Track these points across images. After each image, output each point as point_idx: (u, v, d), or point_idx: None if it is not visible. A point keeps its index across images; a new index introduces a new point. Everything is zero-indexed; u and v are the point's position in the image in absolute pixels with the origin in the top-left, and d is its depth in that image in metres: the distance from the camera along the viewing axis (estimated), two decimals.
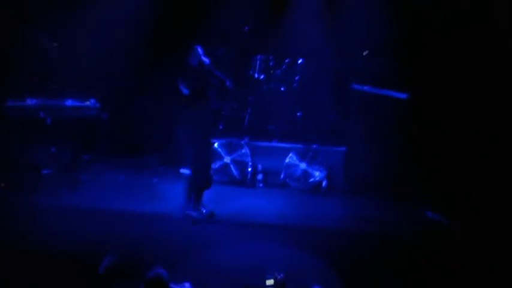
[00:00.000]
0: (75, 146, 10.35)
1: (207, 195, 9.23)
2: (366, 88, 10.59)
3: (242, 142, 10.74)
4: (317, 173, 10.48)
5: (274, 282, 6.23)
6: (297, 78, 11.25)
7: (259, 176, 10.70)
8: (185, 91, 8.72)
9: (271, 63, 11.31)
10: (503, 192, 9.38)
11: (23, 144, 9.99)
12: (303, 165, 10.53)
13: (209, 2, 11.45)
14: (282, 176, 10.63)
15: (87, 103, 10.35)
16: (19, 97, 10.17)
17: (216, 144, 10.58)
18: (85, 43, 11.00)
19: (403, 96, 10.33)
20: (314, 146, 10.64)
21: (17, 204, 9.08)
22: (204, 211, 8.90)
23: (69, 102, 10.26)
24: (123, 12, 11.13)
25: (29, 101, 10.14)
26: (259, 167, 10.75)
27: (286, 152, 10.67)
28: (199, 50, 8.80)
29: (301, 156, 10.57)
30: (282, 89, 11.23)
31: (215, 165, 10.47)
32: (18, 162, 9.92)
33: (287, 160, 10.58)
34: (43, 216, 8.66)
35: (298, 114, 11.26)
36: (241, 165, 10.62)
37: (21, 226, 8.30)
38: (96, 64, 10.90)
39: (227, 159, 10.62)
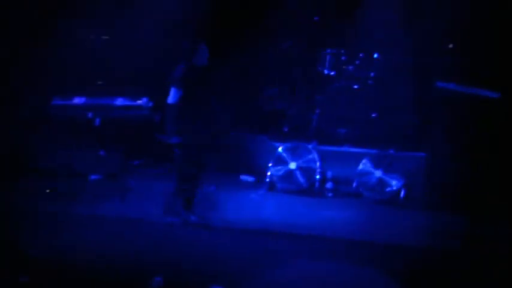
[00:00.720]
0: (125, 149, 10.43)
1: (269, 207, 9.27)
2: (451, 86, 10.22)
3: (309, 146, 10.55)
4: (394, 182, 10.19)
5: None
6: (372, 74, 11.10)
7: (329, 185, 10.53)
8: (176, 93, 8.47)
9: (343, 58, 11.17)
10: None
11: (68, 146, 10.20)
12: (378, 173, 10.25)
13: None
14: (354, 184, 10.42)
15: (139, 102, 10.40)
16: (66, 95, 10.28)
17: (280, 149, 10.49)
18: (137, 37, 11.10)
19: (494, 95, 9.95)
20: (391, 151, 10.47)
21: (62, 213, 9.01)
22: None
23: (119, 101, 10.33)
24: (180, 3, 11.12)
25: (76, 100, 10.24)
26: (329, 174, 10.60)
27: (359, 158, 10.47)
28: (203, 48, 8.63)
29: (376, 163, 10.34)
30: (355, 87, 11.11)
31: (279, 172, 10.44)
32: (64, 166, 10.08)
33: (360, 167, 10.37)
34: (89, 226, 8.60)
35: (373, 115, 11.11)
36: (308, 172, 10.42)
37: (65, 236, 8.18)
38: (149, 60, 10.89)
39: (292, 166, 10.42)
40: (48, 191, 9.61)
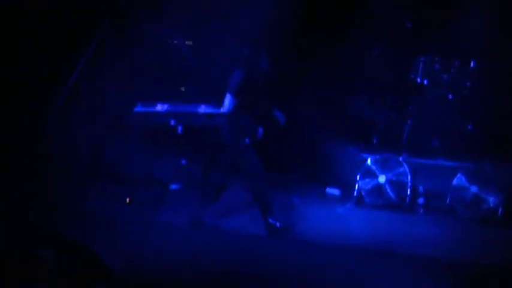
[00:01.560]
0: (209, 159, 10.34)
1: (356, 222, 9.27)
2: None
3: (400, 159, 10.46)
4: (491, 198, 9.99)
5: None
6: (468, 84, 10.98)
7: (420, 200, 10.41)
8: (232, 101, 8.73)
9: (437, 66, 10.99)
10: None
11: (150, 154, 10.26)
12: (473, 189, 10.09)
13: None
14: (447, 200, 10.24)
15: (223, 110, 9.96)
16: (148, 102, 10.19)
17: (369, 161, 10.48)
18: (221, 42, 11.09)
19: None
20: (488, 165, 10.28)
21: (141, 223, 9.14)
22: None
23: (202, 109, 10.07)
24: (264, 9, 11.07)
25: (159, 106, 10.09)
26: (421, 188, 10.46)
27: (453, 172, 10.29)
28: (263, 55, 8.82)
29: (472, 178, 10.14)
30: (450, 96, 10.96)
31: (367, 185, 10.40)
32: (145, 175, 10.17)
33: (454, 182, 10.19)
34: (170, 237, 8.67)
35: (469, 127, 10.97)
36: (398, 186, 10.33)
37: (144, 248, 8.23)
38: (233, 65, 10.78)
39: (382, 179, 10.35)
40: (128, 199, 9.72)
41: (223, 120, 10.15)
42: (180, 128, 9.91)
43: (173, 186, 10.20)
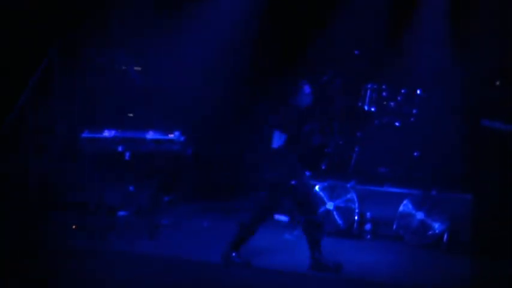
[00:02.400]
0: (156, 185, 10.47)
1: (303, 248, 8.95)
2: (498, 125, 10.21)
3: (348, 186, 10.48)
4: (437, 225, 10.07)
5: None
6: (414, 111, 11.04)
7: (367, 226, 10.42)
8: (280, 137, 8.57)
9: (384, 94, 11.09)
10: None
11: (98, 181, 10.28)
12: (420, 215, 10.13)
13: (314, 22, 11.54)
14: (394, 226, 10.27)
15: (171, 136, 10.16)
16: (95, 128, 10.16)
17: (317, 187, 10.40)
18: (170, 68, 11.24)
19: None
20: (434, 192, 10.33)
21: (89, 250, 9.11)
22: None
23: (150, 135, 10.15)
24: (214, 36, 11.35)
25: (107, 133, 10.08)
26: (368, 215, 10.47)
27: (399, 198, 10.33)
28: (307, 88, 8.65)
29: (418, 205, 10.19)
30: (397, 124, 11.07)
31: None
32: (92, 201, 10.06)
33: (401, 208, 10.24)
34: (117, 264, 8.66)
35: (416, 154, 11.00)
36: (346, 212, 10.33)
37: (92, 274, 8.23)
38: (182, 92, 11.15)
39: (330, 206, 10.33)
40: (74, 227, 9.69)
41: (180, 147, 10.21)
42: (127, 154, 9.95)
43: (121, 213, 10.11)
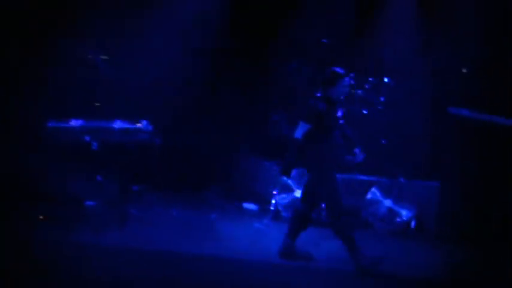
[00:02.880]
0: (124, 174, 10.26)
1: (273, 237, 9.10)
2: (465, 112, 10.16)
3: None
4: (404, 212, 10.27)
5: None
6: (382, 99, 11.10)
7: None
8: (303, 128, 8.28)
9: (352, 82, 10.79)
10: None
11: (64, 171, 9.89)
12: (387, 203, 10.35)
13: (281, 11, 11.50)
14: (362, 214, 10.41)
15: (139, 125, 10.18)
16: (62, 117, 10.09)
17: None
18: (138, 56, 11.20)
19: (510, 122, 9.86)
20: (401, 179, 10.50)
21: (56, 241, 8.89)
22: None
23: (118, 124, 10.12)
24: (183, 23, 11.34)
25: (73, 122, 10.04)
26: None
27: (367, 186, 10.55)
28: (347, 79, 8.48)
29: (386, 192, 10.41)
30: (364, 112, 11.09)
31: (284, 200, 10.47)
32: (59, 192, 9.84)
33: (369, 196, 10.44)
34: (85, 255, 8.46)
35: (383, 142, 11.06)
36: None
37: (60, 265, 8.01)
38: (150, 81, 11.16)
39: (298, 194, 10.25)
40: (41, 217, 9.57)
41: (148, 136, 10.11)
42: (95, 144, 9.92)
43: (89, 203, 9.93)
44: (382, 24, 11.40)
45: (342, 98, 8.46)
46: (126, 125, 10.18)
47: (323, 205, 8.73)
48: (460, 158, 10.37)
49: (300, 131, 8.22)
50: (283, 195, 10.45)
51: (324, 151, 8.43)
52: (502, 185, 10.00)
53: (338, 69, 8.36)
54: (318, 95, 8.32)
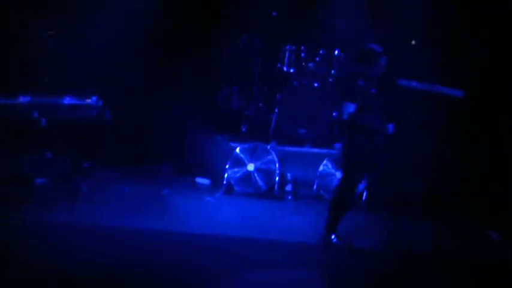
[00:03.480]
0: (74, 151, 10.14)
1: (225, 210, 9.37)
2: (413, 84, 9.91)
3: (268, 147, 10.63)
4: None
5: None
6: (333, 72, 11.11)
7: (288, 187, 10.60)
8: (350, 107, 8.08)
9: (302, 55, 11.11)
10: None
11: (13, 148, 9.92)
12: (339, 174, 10.04)
13: None
14: (315, 186, 10.47)
15: (88, 101, 10.15)
16: (9, 94, 10.04)
17: (237, 150, 10.62)
18: (86, 31, 11.06)
19: (458, 93, 9.71)
20: None
21: (6, 219, 8.84)
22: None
23: (67, 100, 10.08)
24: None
25: (21, 99, 10.00)
26: (288, 176, 10.66)
27: (319, 159, 10.53)
28: (384, 58, 8.35)
29: (338, 164, 10.27)
30: (316, 85, 11.12)
31: (236, 174, 10.56)
32: (8, 169, 9.84)
33: (321, 168, 10.44)
34: (36, 233, 8.44)
35: (334, 114, 10.99)
36: (267, 174, 10.51)
37: (10, 243, 8.03)
38: (99, 56, 10.96)
39: (250, 167, 10.50)
40: None
41: (98, 112, 10.03)
42: (43, 120, 9.88)
43: (38, 181, 9.95)
44: None
45: (378, 75, 8.34)
46: (76, 101, 10.14)
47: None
48: (408, 129, 10.07)
49: (346, 112, 8.05)
50: (235, 169, 10.51)
51: (369, 127, 8.26)
52: (449, 154, 10.07)
53: (375, 47, 8.28)
54: (355, 71, 8.21)
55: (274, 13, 11.32)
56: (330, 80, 11.12)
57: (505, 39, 10.30)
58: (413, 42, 10.79)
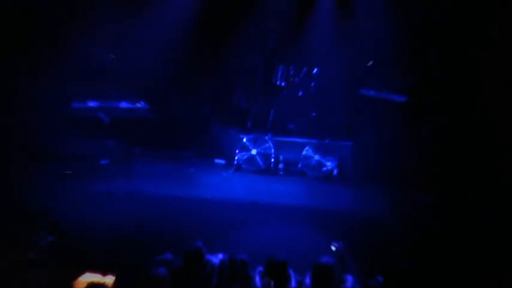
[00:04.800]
0: (128, 140, 10.30)
1: (236, 182, 9.24)
2: (371, 93, 10.39)
3: (266, 138, 10.65)
4: (329, 163, 10.34)
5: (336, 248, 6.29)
6: (312, 84, 11.01)
7: (281, 166, 10.61)
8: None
9: (291, 72, 11.03)
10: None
11: (86, 139, 9.91)
12: (317, 157, 10.42)
13: (241, 15, 10.87)
14: (299, 165, 10.50)
15: (138, 105, 10.34)
16: (82, 100, 10.15)
17: (244, 139, 10.54)
18: (137, 55, 10.69)
19: (402, 99, 10.14)
20: (326, 140, 10.53)
21: (81, 189, 8.94)
22: None
23: (123, 104, 10.27)
24: (167, 29, 10.79)
25: (91, 103, 10.15)
26: (281, 158, 10.66)
27: (303, 146, 10.58)
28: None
29: (316, 149, 10.47)
30: (300, 93, 11.05)
31: (243, 156, 10.48)
32: (82, 153, 9.85)
33: (304, 152, 10.49)
34: (102, 199, 8.62)
35: (313, 114, 11.05)
36: (265, 156, 10.51)
37: (83, 208, 8.23)
38: (145, 72, 10.60)
39: (254, 152, 10.54)
40: (69, 172, 9.54)
41: (144, 113, 10.06)
42: (107, 119, 10.02)
43: (103, 161, 9.96)
44: (312, 30, 10.93)
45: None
46: (129, 105, 10.25)
47: None
48: (367, 125, 10.31)
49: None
50: (243, 153, 10.48)
51: None
52: (396, 141, 9.83)
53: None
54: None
55: (270, 46, 10.98)
56: (311, 89, 10.90)
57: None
58: (369, 63, 10.64)
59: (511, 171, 8.74)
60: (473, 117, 9.50)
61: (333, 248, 6.27)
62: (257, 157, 10.49)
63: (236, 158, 10.48)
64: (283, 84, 11.04)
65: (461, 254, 7.23)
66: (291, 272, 6.25)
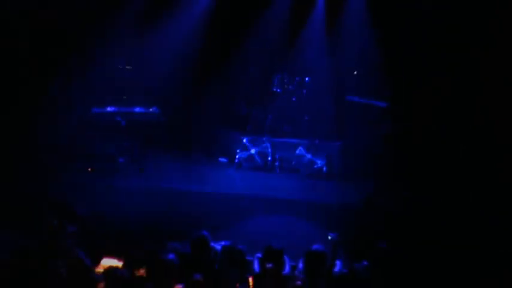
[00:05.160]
0: (142, 141, 10.29)
1: (238, 178, 9.47)
2: (356, 99, 10.62)
3: (264, 138, 10.70)
4: (319, 162, 10.37)
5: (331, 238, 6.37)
6: (304, 91, 11.04)
7: (277, 163, 10.61)
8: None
9: (285, 80, 11.00)
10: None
11: (104, 140, 10.03)
12: (309, 156, 10.46)
13: (244, 28, 10.95)
14: (293, 163, 10.54)
15: (151, 110, 10.45)
16: (101, 106, 10.30)
17: (244, 140, 10.63)
18: (149, 65, 10.79)
19: (383, 104, 10.41)
20: (317, 141, 10.61)
21: (100, 184, 9.13)
22: None
23: (137, 109, 10.39)
24: (178, 41, 10.82)
25: (109, 109, 10.30)
26: (277, 156, 10.65)
27: (296, 146, 10.63)
28: None
29: (307, 149, 10.51)
30: (294, 99, 11.07)
31: (244, 155, 10.48)
32: (101, 153, 9.91)
33: (297, 152, 10.54)
34: (119, 193, 8.78)
35: (306, 118, 11.10)
36: (263, 155, 10.52)
37: (102, 201, 8.37)
38: (157, 80, 10.67)
39: (253, 151, 10.55)
40: (89, 169, 9.61)
41: (157, 117, 10.16)
42: (123, 122, 10.19)
43: (120, 160, 9.89)
44: (304, 43, 11.02)
45: None
46: (143, 110, 10.38)
47: None
48: (353, 127, 10.31)
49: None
50: (243, 152, 10.43)
51: None
52: (379, 141, 9.87)
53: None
54: None
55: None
56: (303, 96, 10.95)
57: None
58: (355, 72, 10.76)
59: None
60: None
61: (329, 238, 6.39)
62: (256, 156, 10.50)
63: (237, 156, 10.48)
64: (278, 91, 11.03)
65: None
66: (286, 258, 6.37)
